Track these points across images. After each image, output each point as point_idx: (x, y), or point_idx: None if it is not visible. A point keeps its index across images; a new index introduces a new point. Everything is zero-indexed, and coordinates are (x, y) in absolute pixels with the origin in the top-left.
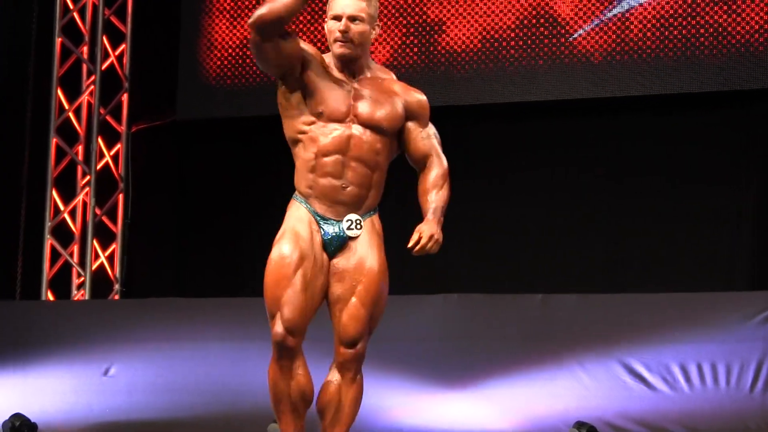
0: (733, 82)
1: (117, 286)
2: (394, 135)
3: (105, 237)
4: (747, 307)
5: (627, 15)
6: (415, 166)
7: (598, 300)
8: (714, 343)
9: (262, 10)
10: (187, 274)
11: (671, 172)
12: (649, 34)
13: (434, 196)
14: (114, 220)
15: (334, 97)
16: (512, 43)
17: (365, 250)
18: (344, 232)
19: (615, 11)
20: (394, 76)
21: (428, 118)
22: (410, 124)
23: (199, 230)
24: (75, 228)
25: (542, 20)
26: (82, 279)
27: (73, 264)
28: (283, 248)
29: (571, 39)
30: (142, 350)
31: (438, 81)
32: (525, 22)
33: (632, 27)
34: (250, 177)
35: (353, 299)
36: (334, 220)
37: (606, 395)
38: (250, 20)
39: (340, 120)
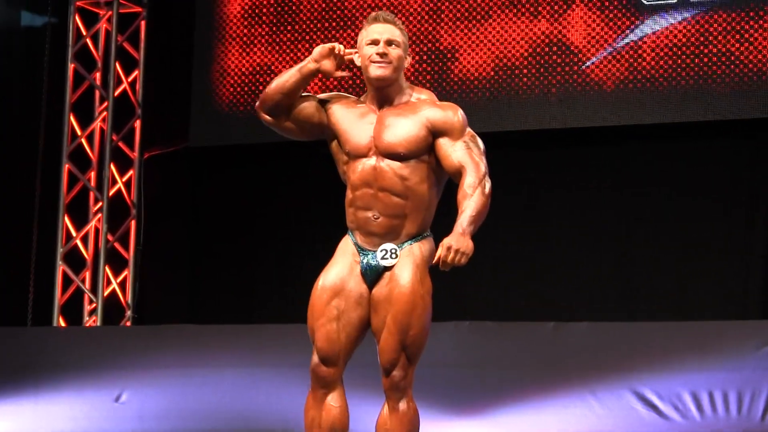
0: (746, 110)
1: (129, 313)
2: (424, 157)
3: (117, 263)
4: (758, 335)
5: (639, 43)
6: (455, 181)
7: (609, 328)
8: (725, 372)
9: (263, 94)
10: (199, 301)
11: (684, 200)
12: (661, 62)
13: (464, 205)
14: (126, 247)
15: (356, 134)
16: (525, 71)
17: (397, 278)
18: (378, 262)
19: (628, 40)
20: (430, 95)
21: (462, 130)
22: (441, 141)
23: (211, 256)
24: (87, 254)
25: (555, 48)
26: (94, 305)
27: (85, 290)
28: (321, 280)
29: (583, 67)
30: (153, 377)
31: None
32: (538, 50)
33: (645, 55)
34: (262, 203)
35: (385, 329)
36: (371, 250)
37: (617, 423)
38: (257, 104)
39: (364, 154)
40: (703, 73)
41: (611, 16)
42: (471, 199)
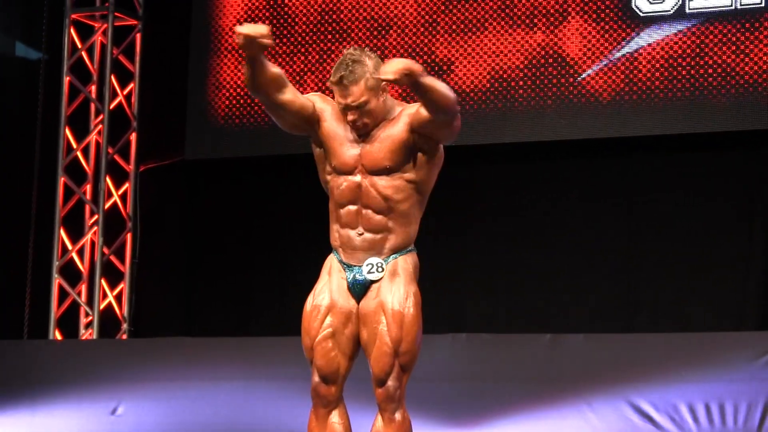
0: (741, 122)
1: (125, 326)
2: (408, 175)
3: (113, 276)
4: (755, 346)
5: (635, 55)
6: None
7: (606, 340)
8: (722, 383)
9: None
10: (195, 313)
11: (680, 212)
12: (657, 74)
13: None
14: (122, 260)
15: (343, 151)
16: (520, 83)
17: (386, 291)
18: (365, 276)
19: (623, 51)
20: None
21: None
22: (417, 113)
23: (207, 269)
24: (83, 267)
25: (551, 60)
26: (90, 318)
27: (81, 303)
28: (312, 299)
29: (579, 79)
30: (150, 390)
31: None
32: (533, 62)
33: (641, 67)
34: (258, 216)
35: (377, 340)
36: (356, 265)
37: None
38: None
39: (349, 172)
40: (699, 84)
41: (607, 27)
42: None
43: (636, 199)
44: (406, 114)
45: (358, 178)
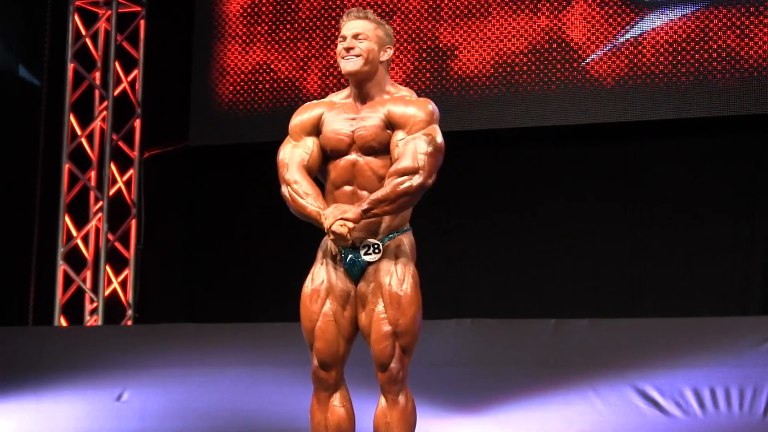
0: (746, 106)
1: (130, 312)
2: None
3: (118, 262)
4: (760, 331)
5: (640, 39)
6: None
7: (610, 325)
8: (727, 368)
9: (288, 201)
10: (200, 300)
11: (684, 197)
12: (662, 58)
13: (375, 192)
14: (127, 246)
15: (336, 131)
16: (525, 67)
17: (383, 272)
18: (362, 258)
19: (628, 36)
20: (409, 92)
21: (419, 126)
22: (395, 133)
23: (212, 256)
24: (88, 254)
25: (555, 45)
26: (95, 305)
27: (86, 290)
28: (309, 284)
29: (583, 64)
30: (155, 376)
31: (450, 106)
32: (537, 47)
33: (645, 51)
34: (263, 202)
35: (376, 322)
36: (353, 248)
37: (619, 420)
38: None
39: (345, 151)
40: (703, 69)
41: (611, 12)
42: (385, 187)
43: (641, 183)
44: (388, 110)
45: (353, 156)
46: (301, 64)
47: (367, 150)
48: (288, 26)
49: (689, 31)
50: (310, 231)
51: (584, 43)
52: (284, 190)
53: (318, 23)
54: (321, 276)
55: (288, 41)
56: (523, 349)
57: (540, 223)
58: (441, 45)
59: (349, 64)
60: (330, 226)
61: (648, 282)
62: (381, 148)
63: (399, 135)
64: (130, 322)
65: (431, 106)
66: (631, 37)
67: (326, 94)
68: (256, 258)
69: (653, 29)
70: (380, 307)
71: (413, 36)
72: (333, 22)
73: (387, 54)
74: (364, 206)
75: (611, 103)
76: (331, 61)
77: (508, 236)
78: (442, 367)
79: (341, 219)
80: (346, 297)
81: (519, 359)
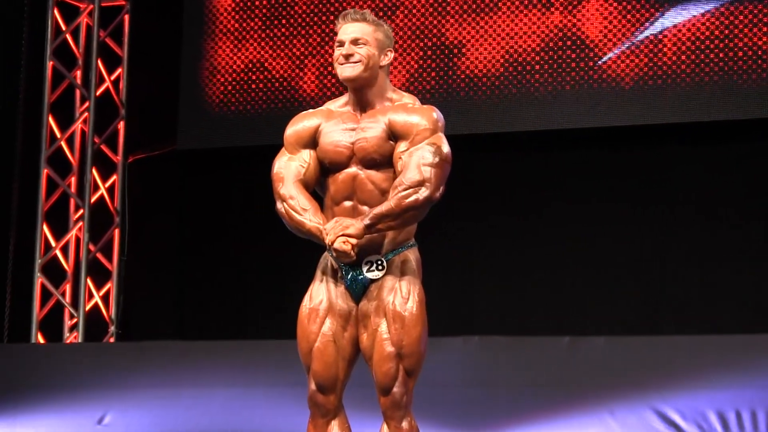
0: None
1: (112, 328)
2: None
3: (99, 275)
4: None
5: (660, 37)
6: None
7: (628, 343)
8: (753, 389)
9: (284, 216)
10: (188, 315)
11: (708, 206)
12: (683, 57)
13: (380, 205)
14: (109, 257)
15: (337, 142)
16: (537, 67)
17: (387, 289)
18: (364, 275)
19: (647, 33)
20: (411, 99)
21: (422, 136)
22: (398, 144)
23: (201, 268)
24: (67, 265)
25: (569, 43)
26: (75, 320)
27: (66, 304)
28: (307, 302)
29: (600, 63)
30: (139, 397)
31: (457, 107)
32: (551, 44)
33: (665, 50)
34: (256, 211)
35: (379, 344)
36: (355, 264)
37: None
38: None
39: (344, 164)
40: (728, 68)
41: (629, 8)
42: (386, 202)
43: (661, 191)
44: (390, 119)
45: (353, 169)
46: (297, 62)
47: (368, 163)
48: (283, 22)
49: (713, 28)
50: (309, 243)
51: (600, 41)
52: (279, 206)
53: (315, 18)
54: (320, 294)
55: (283, 38)
56: (535, 369)
57: (553, 233)
58: (447, 42)
59: (347, 70)
60: (332, 243)
61: (669, 296)
62: (383, 161)
63: (402, 146)
64: (112, 339)
65: (435, 113)
66: (651, 34)
67: (324, 95)
68: (249, 271)
69: (674, 26)
70: (383, 326)
71: (417, 33)
72: (331, 17)
73: (387, 58)
74: (367, 221)
75: (629, 105)
76: (330, 59)
77: (519, 248)
78: (448, 389)
79: (343, 235)
80: (346, 316)
81: (531, 379)
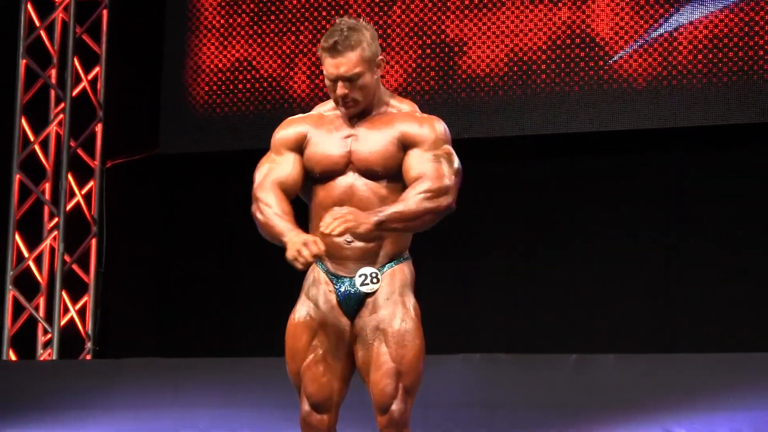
0: None
1: (89, 345)
2: (401, 177)
3: (75, 288)
4: None
5: (675, 35)
6: None
7: (640, 361)
8: None
9: (257, 219)
10: (170, 331)
11: (725, 216)
12: (700, 56)
13: (395, 204)
14: (86, 269)
15: (329, 150)
16: (543, 66)
17: (383, 305)
18: (358, 289)
19: (661, 30)
20: (412, 106)
21: (436, 144)
22: (410, 152)
23: (184, 280)
24: (41, 277)
25: (578, 40)
26: (49, 336)
27: (39, 319)
28: (297, 317)
29: (610, 62)
30: (117, 418)
31: (458, 110)
32: (558, 42)
33: (681, 48)
34: (243, 220)
35: (376, 360)
36: (347, 277)
37: None
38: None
39: (339, 172)
40: (747, 68)
41: (642, 3)
42: (404, 201)
43: (676, 199)
44: (401, 129)
45: (348, 178)
46: (287, 61)
47: (368, 173)
48: (272, 18)
49: (731, 24)
50: None
51: (611, 39)
52: (253, 207)
53: (306, 14)
54: (308, 309)
55: (272, 35)
56: (540, 389)
57: (559, 245)
58: (447, 40)
59: (349, 110)
60: (333, 231)
61: (684, 312)
62: (385, 173)
63: (414, 154)
64: (89, 357)
65: (443, 125)
66: (665, 31)
67: (315, 95)
68: (235, 284)
69: (690, 23)
70: (380, 343)
71: (415, 30)
72: (323, 13)
73: (380, 69)
74: (381, 217)
75: (642, 108)
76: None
77: (522, 260)
78: (447, 409)
79: (348, 231)
80: (339, 333)
81: (535, 400)
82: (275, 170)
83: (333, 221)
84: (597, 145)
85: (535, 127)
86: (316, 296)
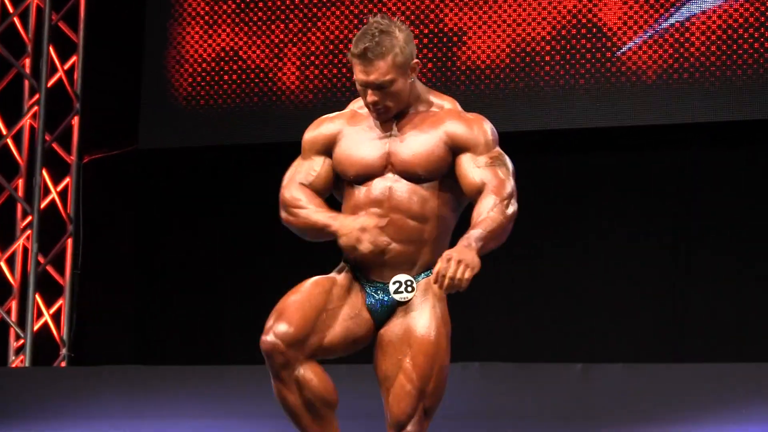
0: None
1: (64, 351)
2: (444, 179)
3: (50, 290)
4: None
5: (687, 25)
6: (473, 202)
7: (647, 370)
8: None
9: (286, 216)
10: (150, 337)
11: (739, 218)
12: (713, 48)
13: (479, 222)
14: (61, 270)
15: (366, 153)
16: (547, 58)
17: (415, 316)
18: (391, 297)
19: (672, 20)
20: (452, 103)
21: (488, 146)
22: (462, 157)
23: (164, 283)
24: (13, 279)
25: (584, 31)
26: (22, 341)
27: (11, 323)
28: (313, 278)
29: (618, 54)
30: (94, 428)
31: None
32: (563, 32)
33: (693, 39)
34: (228, 219)
35: (399, 375)
36: (381, 283)
37: None
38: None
39: (377, 174)
40: (764, 60)
41: None
42: (488, 217)
43: (687, 199)
44: (448, 132)
45: (387, 180)
46: (276, 51)
47: (409, 176)
48: (260, 5)
49: (747, 14)
50: (288, 254)
51: (619, 29)
52: (282, 213)
53: (296, 1)
54: (332, 278)
55: (260, 23)
56: (543, 399)
57: (563, 247)
58: (446, 29)
59: (381, 117)
60: (453, 278)
61: (695, 320)
62: (427, 176)
63: (468, 158)
64: (64, 363)
65: (491, 125)
66: (677, 21)
67: (306, 88)
68: (219, 287)
69: (703, 12)
70: (409, 358)
71: (412, 18)
72: (315, 0)
73: (414, 74)
74: (477, 246)
75: (652, 102)
76: (312, 48)
77: (526, 262)
78: (445, 421)
79: (464, 267)
80: (357, 312)
81: (538, 411)
82: (301, 174)
83: (446, 280)
84: (603, 141)
85: (537, 123)
86: (345, 278)
